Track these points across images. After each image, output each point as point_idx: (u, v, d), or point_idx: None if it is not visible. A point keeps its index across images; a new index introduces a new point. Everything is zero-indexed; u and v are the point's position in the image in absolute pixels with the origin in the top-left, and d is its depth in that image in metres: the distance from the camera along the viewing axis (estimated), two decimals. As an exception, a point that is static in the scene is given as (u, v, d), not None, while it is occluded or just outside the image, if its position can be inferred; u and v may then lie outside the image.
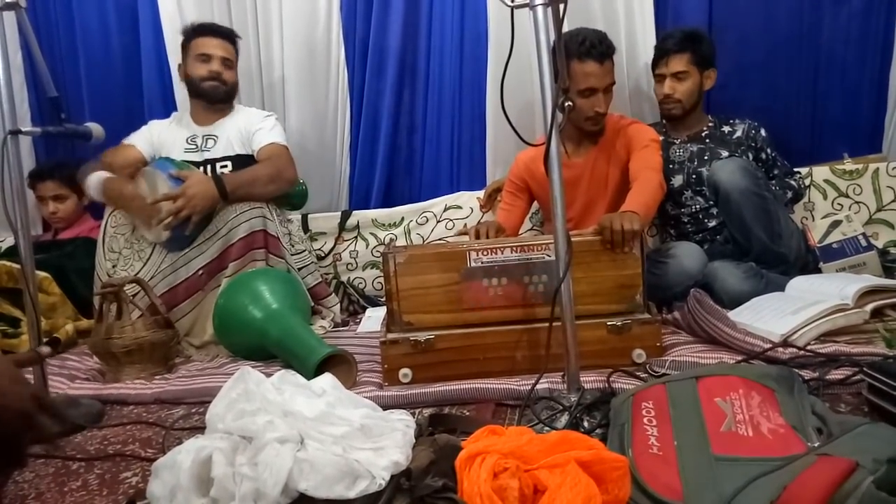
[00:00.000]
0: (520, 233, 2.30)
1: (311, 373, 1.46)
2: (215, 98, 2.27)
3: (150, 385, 1.69)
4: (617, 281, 1.55)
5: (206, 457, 0.88)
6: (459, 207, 2.51)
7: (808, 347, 1.44)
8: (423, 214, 2.52)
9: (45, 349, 1.33)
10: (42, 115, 2.70)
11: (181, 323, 1.99)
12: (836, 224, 2.14)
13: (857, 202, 2.27)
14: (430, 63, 2.54)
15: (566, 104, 1.30)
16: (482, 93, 2.46)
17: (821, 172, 2.30)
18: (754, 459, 0.91)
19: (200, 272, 1.99)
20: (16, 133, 1.41)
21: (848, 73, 2.33)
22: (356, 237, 2.56)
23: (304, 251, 2.23)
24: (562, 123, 1.25)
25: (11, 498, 1.11)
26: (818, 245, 2.11)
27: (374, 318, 2.19)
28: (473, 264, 1.55)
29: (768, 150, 2.20)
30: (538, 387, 1.34)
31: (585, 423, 1.19)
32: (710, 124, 2.26)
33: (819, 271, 2.04)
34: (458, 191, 2.54)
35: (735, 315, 1.66)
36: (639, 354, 1.52)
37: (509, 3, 1.25)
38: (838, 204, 2.28)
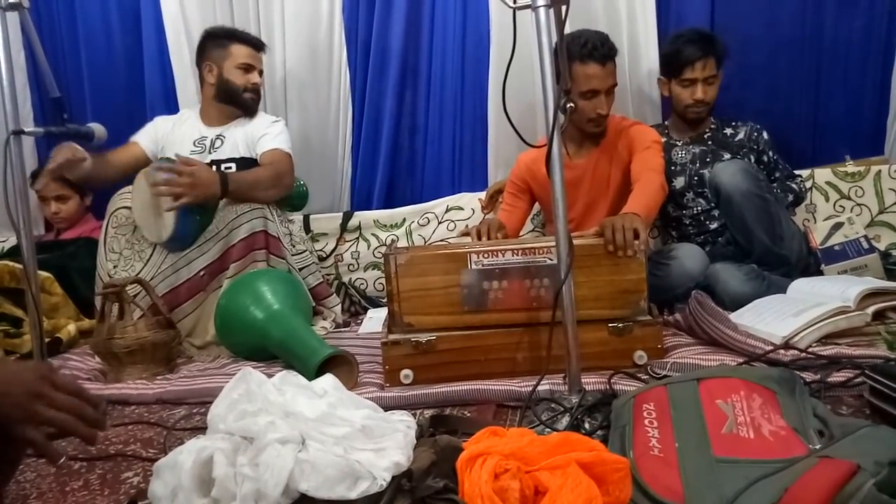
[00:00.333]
0: (521, 234, 2.30)
1: (313, 373, 1.46)
2: (252, 110, 2.30)
3: (151, 385, 1.69)
4: (620, 286, 1.54)
5: (207, 457, 0.88)
6: (461, 208, 2.51)
7: (810, 350, 1.43)
8: (425, 215, 2.53)
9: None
10: (45, 115, 2.70)
11: (183, 323, 1.99)
12: (837, 226, 2.13)
13: (858, 204, 2.27)
14: (431, 64, 2.55)
15: (568, 105, 1.30)
16: (484, 94, 2.46)
17: (823, 174, 2.30)
18: (755, 461, 0.91)
19: (202, 273, 1.99)
20: (18, 133, 1.42)
21: (850, 75, 2.33)
22: (358, 238, 2.56)
23: (305, 251, 2.23)
24: (563, 125, 1.25)
25: (13, 497, 1.12)
26: (820, 247, 2.11)
27: (375, 319, 2.19)
28: (474, 266, 1.55)
29: (770, 153, 2.20)
30: (539, 388, 1.34)
31: (586, 425, 1.19)
32: (713, 126, 2.26)
33: (821, 273, 2.04)
34: (460, 192, 2.55)
35: (736, 317, 1.65)
36: (640, 356, 1.52)
37: (511, 5, 1.25)
38: (840, 206, 2.28)
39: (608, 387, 1.38)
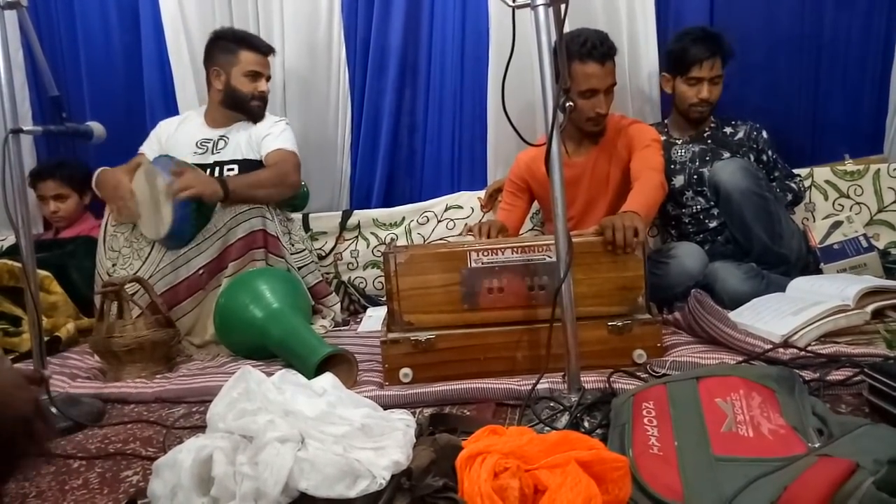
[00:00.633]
0: (520, 233, 2.30)
1: (312, 372, 1.46)
2: (258, 117, 2.30)
3: (150, 384, 1.69)
4: (618, 283, 1.55)
5: (206, 456, 0.88)
6: (460, 207, 2.51)
7: (809, 348, 1.44)
8: (424, 214, 2.52)
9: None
10: (43, 114, 2.70)
11: (182, 322, 1.99)
12: (836, 225, 2.13)
13: (857, 203, 2.27)
14: (431, 63, 2.54)
15: (567, 104, 1.30)
16: (483, 93, 2.46)
17: (822, 173, 2.29)
18: (755, 460, 0.91)
19: (201, 272, 1.99)
20: (17, 132, 1.42)
21: (849, 73, 2.33)
22: (357, 237, 2.56)
23: (304, 250, 2.23)
24: (563, 123, 1.25)
25: (13, 496, 1.11)
26: (819, 246, 2.11)
27: (374, 318, 2.19)
28: (474, 265, 1.55)
29: (769, 153, 2.20)
30: (539, 387, 1.34)
31: (586, 424, 1.19)
32: (712, 125, 2.26)
33: (820, 272, 2.04)
34: (459, 191, 2.54)
35: (736, 316, 1.66)
36: (639, 355, 1.52)
37: (510, 4, 1.25)
38: (839, 205, 2.28)
39: (607, 385, 1.38)
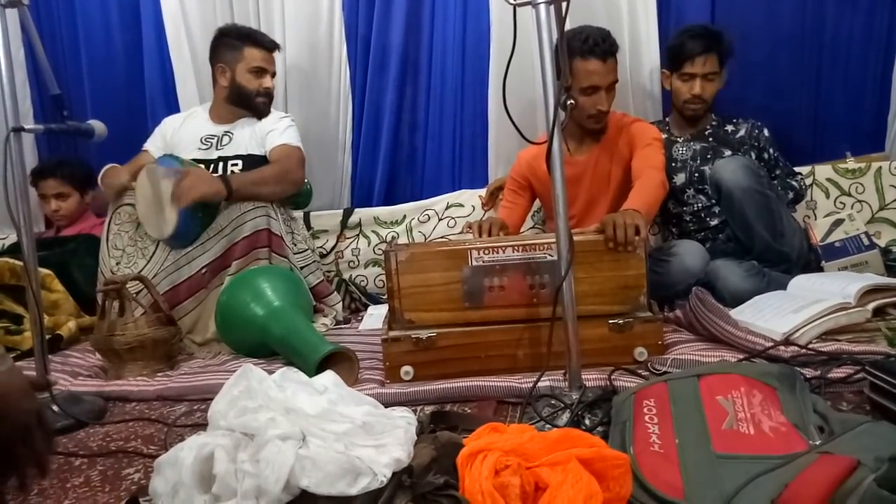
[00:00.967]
0: (521, 231, 2.30)
1: (313, 370, 1.46)
2: (263, 114, 2.30)
3: (152, 382, 1.69)
4: (620, 281, 1.54)
5: (208, 453, 0.88)
6: (461, 205, 2.51)
7: (810, 346, 1.43)
8: (425, 212, 2.52)
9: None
10: (44, 112, 2.70)
11: (184, 321, 2.00)
12: (838, 223, 2.13)
13: (859, 201, 2.26)
14: (432, 61, 2.54)
15: (568, 102, 1.29)
16: (484, 90, 2.46)
17: (823, 171, 2.29)
18: (756, 457, 0.91)
19: (204, 270, 1.99)
20: (18, 130, 1.42)
21: (851, 71, 2.33)
22: (358, 235, 2.56)
23: (306, 250, 2.23)
24: (564, 121, 1.25)
25: (14, 494, 1.12)
26: (820, 244, 2.11)
27: (375, 316, 2.19)
28: (475, 263, 1.55)
29: (771, 151, 2.20)
30: (540, 384, 1.34)
31: (587, 421, 1.19)
32: (714, 123, 2.26)
33: (821, 270, 2.04)
34: (460, 189, 2.54)
35: (737, 313, 1.65)
36: (640, 352, 1.52)
37: (511, 2, 1.25)
38: (841, 202, 2.27)
39: (608, 383, 1.38)
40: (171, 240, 1.99)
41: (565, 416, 1.20)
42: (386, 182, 2.61)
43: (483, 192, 2.48)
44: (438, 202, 2.53)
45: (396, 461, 0.88)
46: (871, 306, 1.51)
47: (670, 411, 1.06)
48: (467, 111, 2.52)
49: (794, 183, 2.21)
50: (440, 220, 2.51)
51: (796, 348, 1.43)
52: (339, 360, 1.56)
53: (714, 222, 2.18)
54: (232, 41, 2.26)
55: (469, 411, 1.36)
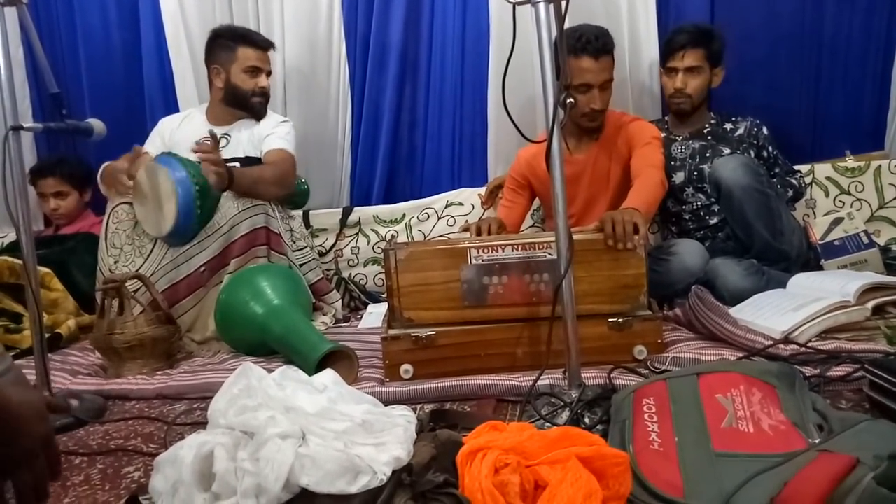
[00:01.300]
0: (521, 230, 2.30)
1: (313, 369, 1.46)
2: (260, 114, 2.30)
3: (151, 380, 1.69)
4: (620, 281, 1.54)
5: (207, 452, 0.88)
6: (461, 204, 2.51)
7: (810, 344, 1.44)
8: (425, 211, 2.53)
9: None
10: (43, 111, 2.70)
11: (183, 319, 1.99)
12: (837, 221, 2.13)
13: (858, 199, 2.27)
14: (431, 59, 2.54)
15: (567, 101, 1.29)
16: (484, 89, 2.46)
17: (823, 169, 2.29)
18: (755, 456, 0.91)
19: (202, 269, 1.99)
20: (17, 129, 1.42)
21: (850, 70, 2.33)
22: (357, 233, 2.56)
23: (305, 248, 2.23)
24: (563, 120, 1.25)
25: (13, 492, 1.11)
26: (820, 242, 2.11)
27: (375, 315, 2.19)
28: (474, 261, 1.55)
29: (770, 149, 2.20)
30: (539, 383, 1.34)
31: (586, 420, 1.19)
32: (713, 121, 2.26)
33: (820, 268, 2.04)
34: (460, 187, 2.54)
35: (736, 312, 1.66)
36: (640, 351, 1.52)
37: (511, 0, 1.25)
38: (840, 201, 2.28)
39: (608, 382, 1.38)
40: (169, 237, 1.99)
41: (565, 415, 1.20)
42: (385, 180, 2.61)
43: (482, 190, 2.49)
44: (438, 201, 2.53)
45: (396, 459, 0.88)
46: (870, 305, 1.51)
47: (670, 410, 1.06)
48: (467, 109, 2.52)
49: (793, 181, 2.21)
50: (440, 218, 2.51)
51: (796, 347, 1.43)
52: (338, 359, 1.56)
53: (713, 221, 2.18)
54: (226, 42, 2.26)
55: (468, 410, 1.36)
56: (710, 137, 2.22)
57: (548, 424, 1.18)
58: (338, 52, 2.55)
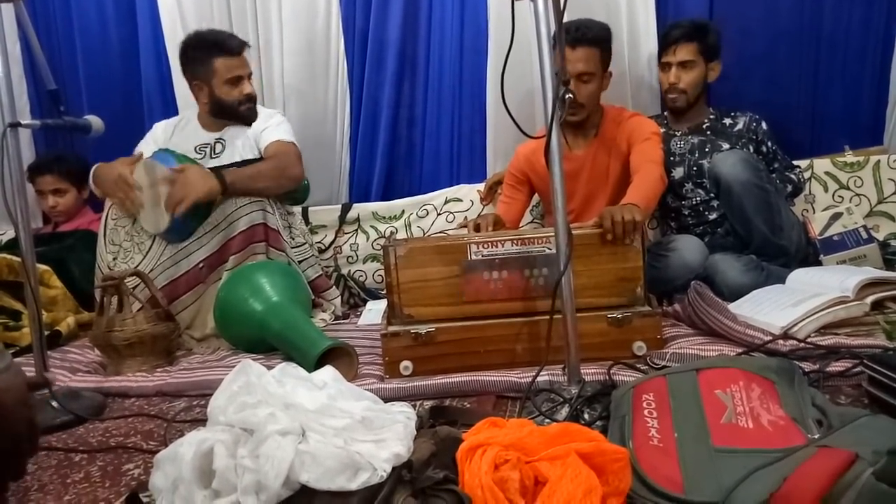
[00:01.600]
0: (520, 225, 2.30)
1: (312, 365, 1.46)
2: (250, 120, 2.25)
3: (151, 378, 1.69)
4: (618, 274, 1.55)
5: (207, 449, 0.88)
6: (460, 200, 2.51)
7: (809, 339, 1.44)
8: (424, 207, 2.52)
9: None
10: (41, 107, 2.69)
11: (182, 316, 2.00)
12: (836, 216, 2.14)
13: (857, 194, 2.26)
14: (430, 55, 2.53)
15: (567, 96, 1.29)
16: (482, 85, 2.45)
17: (821, 165, 2.29)
18: (754, 451, 0.91)
19: (201, 265, 1.99)
20: (15, 126, 1.41)
21: (849, 65, 2.32)
22: (357, 230, 2.56)
23: (304, 244, 2.23)
24: (562, 116, 1.25)
25: (14, 490, 1.12)
26: (819, 237, 2.11)
27: (374, 311, 2.19)
28: (474, 257, 1.55)
29: (769, 144, 2.20)
30: (539, 379, 1.35)
31: (586, 415, 1.19)
32: (712, 116, 2.25)
33: (819, 264, 2.04)
34: (459, 183, 2.54)
35: (735, 307, 1.66)
36: (639, 347, 1.52)
37: (510, -5, 1.24)
38: (839, 196, 2.27)
39: (607, 377, 1.38)
40: (167, 234, 1.99)
41: (564, 411, 1.21)
42: (384, 177, 2.60)
43: (481, 186, 2.48)
44: (437, 197, 2.52)
45: (396, 456, 0.88)
46: (869, 300, 1.51)
47: (669, 405, 1.07)
48: (465, 106, 2.51)
49: (792, 176, 2.21)
50: (439, 214, 2.51)
51: (795, 342, 1.43)
52: (338, 356, 1.56)
53: (713, 216, 2.18)
54: (198, 55, 2.18)
55: (468, 406, 1.37)
56: (709, 132, 2.22)
57: (547, 420, 1.19)
58: (336, 48, 2.54)
